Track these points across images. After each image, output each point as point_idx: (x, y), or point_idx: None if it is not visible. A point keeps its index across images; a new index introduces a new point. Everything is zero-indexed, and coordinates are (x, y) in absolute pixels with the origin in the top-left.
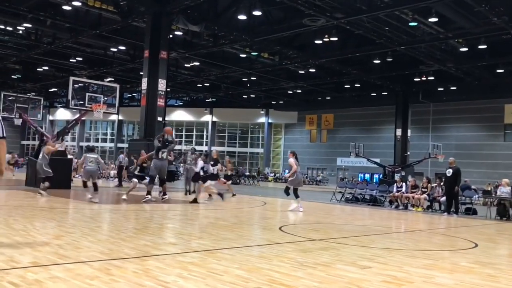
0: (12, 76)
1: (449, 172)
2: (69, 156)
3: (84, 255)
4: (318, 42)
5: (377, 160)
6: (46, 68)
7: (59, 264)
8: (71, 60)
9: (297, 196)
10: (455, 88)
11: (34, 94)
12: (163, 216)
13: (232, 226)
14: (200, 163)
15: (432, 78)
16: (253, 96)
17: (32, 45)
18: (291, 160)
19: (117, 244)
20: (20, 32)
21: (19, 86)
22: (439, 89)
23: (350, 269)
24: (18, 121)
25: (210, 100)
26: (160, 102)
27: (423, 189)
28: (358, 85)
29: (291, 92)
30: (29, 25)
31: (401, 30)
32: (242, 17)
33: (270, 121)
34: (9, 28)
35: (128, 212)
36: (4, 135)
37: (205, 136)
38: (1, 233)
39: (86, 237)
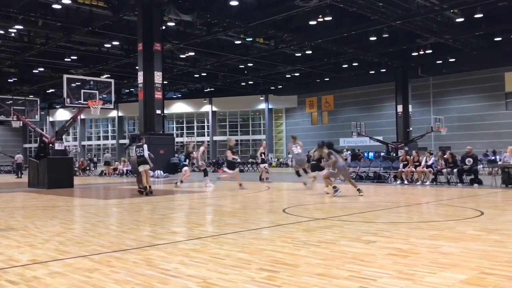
0: (9, 80)
1: (469, 161)
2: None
3: (85, 250)
4: (313, 23)
5: (380, 137)
6: (42, 69)
7: (59, 259)
8: (66, 60)
9: (299, 175)
10: (453, 60)
11: (32, 96)
12: (167, 207)
13: (235, 211)
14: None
15: (430, 51)
16: (251, 82)
17: (25, 47)
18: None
19: (118, 237)
20: (12, 34)
21: (16, 90)
22: (437, 62)
23: (354, 244)
24: (15, 124)
25: (209, 90)
26: (158, 95)
27: (415, 163)
28: (356, 64)
29: (289, 76)
30: (21, 27)
31: (395, 4)
32: (234, 3)
33: (270, 106)
34: (0, 32)
35: (131, 206)
36: None
37: (206, 127)
38: (1, 234)
39: (87, 232)
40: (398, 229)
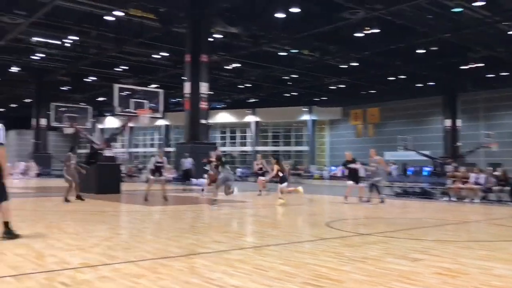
0: (62, 88)
1: None
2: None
3: (132, 255)
4: (359, 35)
5: (427, 152)
6: (94, 78)
7: (108, 264)
8: (116, 69)
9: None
10: (507, 74)
11: (83, 104)
12: (210, 216)
13: (278, 223)
14: None
15: (481, 64)
16: (295, 94)
17: (79, 57)
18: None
19: (164, 243)
20: (68, 45)
21: (69, 97)
22: (489, 76)
23: (400, 262)
24: (68, 130)
25: (252, 100)
26: (203, 105)
27: (464, 180)
28: (403, 77)
29: (334, 87)
30: (76, 38)
31: (445, 17)
32: (280, 15)
33: (313, 118)
34: (57, 42)
35: (176, 213)
36: (4, 142)
37: (248, 137)
38: (54, 237)
39: (134, 238)
40: (446, 248)
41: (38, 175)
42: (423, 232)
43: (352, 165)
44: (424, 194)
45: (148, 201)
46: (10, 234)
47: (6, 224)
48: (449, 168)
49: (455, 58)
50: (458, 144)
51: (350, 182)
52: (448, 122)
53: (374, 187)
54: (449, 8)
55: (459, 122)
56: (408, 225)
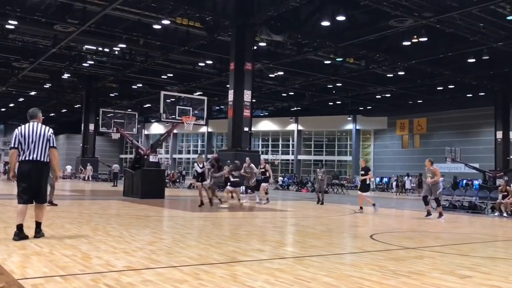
0: (110, 94)
1: None
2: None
3: (175, 260)
4: (407, 43)
5: (476, 165)
6: (140, 85)
7: (151, 268)
8: (162, 77)
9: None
10: None
11: (130, 110)
12: (251, 224)
13: (320, 234)
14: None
15: None
16: (339, 102)
17: (127, 64)
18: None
19: (205, 250)
20: (116, 52)
21: (117, 104)
22: None
23: (447, 278)
24: (115, 136)
25: (295, 108)
26: (246, 113)
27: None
28: (452, 86)
29: (379, 96)
30: (124, 46)
31: (497, 25)
32: (325, 23)
33: (358, 127)
34: (106, 50)
35: (217, 220)
36: (55, 145)
37: (291, 145)
38: (99, 239)
39: (177, 243)
40: (496, 265)
41: (84, 178)
42: (471, 248)
43: (362, 173)
44: (473, 208)
45: (201, 207)
46: (40, 234)
47: (39, 224)
48: (500, 182)
49: (508, 68)
50: (510, 157)
51: (359, 192)
52: (499, 134)
53: (437, 200)
54: (503, 16)
55: (511, 134)
56: (455, 240)
